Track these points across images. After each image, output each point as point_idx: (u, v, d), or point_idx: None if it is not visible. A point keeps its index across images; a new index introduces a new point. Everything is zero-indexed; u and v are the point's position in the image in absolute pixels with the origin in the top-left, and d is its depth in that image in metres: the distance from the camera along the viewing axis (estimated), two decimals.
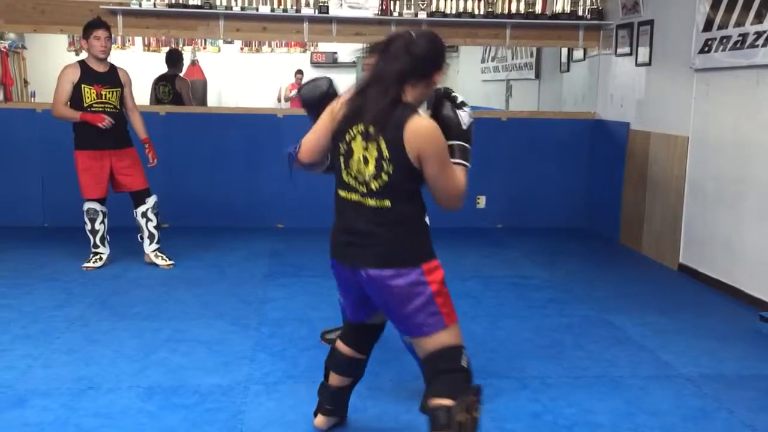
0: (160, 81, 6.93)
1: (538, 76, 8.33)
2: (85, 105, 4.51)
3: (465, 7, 6.07)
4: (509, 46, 8.06)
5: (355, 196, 2.17)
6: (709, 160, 4.75)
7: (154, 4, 5.80)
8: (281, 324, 3.73)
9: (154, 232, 4.78)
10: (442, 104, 2.25)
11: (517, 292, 4.43)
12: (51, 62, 7.05)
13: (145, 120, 4.88)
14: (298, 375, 3.09)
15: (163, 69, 7.03)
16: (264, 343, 3.46)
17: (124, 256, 4.92)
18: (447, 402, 2.07)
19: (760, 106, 4.23)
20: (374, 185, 2.12)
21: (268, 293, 4.29)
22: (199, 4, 5.86)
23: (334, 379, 2.52)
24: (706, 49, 4.68)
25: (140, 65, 8.54)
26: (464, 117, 2.23)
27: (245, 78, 10.89)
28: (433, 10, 6.07)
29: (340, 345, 2.49)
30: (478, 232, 6.01)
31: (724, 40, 4.50)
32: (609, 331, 3.78)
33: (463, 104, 2.26)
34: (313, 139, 2.33)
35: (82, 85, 4.50)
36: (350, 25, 6.12)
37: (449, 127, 2.19)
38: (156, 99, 6.86)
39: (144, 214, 4.74)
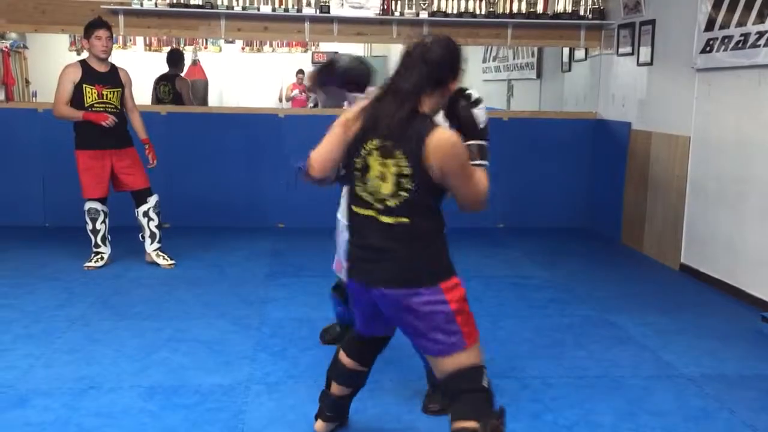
0: (160, 81, 6.94)
1: (539, 75, 8.33)
2: (86, 105, 4.51)
3: (466, 7, 6.07)
4: (510, 46, 8.05)
5: (370, 212, 2.09)
6: (710, 160, 4.74)
7: (156, 4, 5.81)
8: (282, 324, 3.73)
9: (156, 231, 4.79)
10: (457, 103, 2.16)
11: (517, 292, 4.43)
12: (52, 62, 7.06)
13: (146, 120, 4.88)
14: (298, 375, 3.10)
15: (165, 69, 7.03)
16: (265, 343, 3.46)
17: (126, 255, 4.92)
18: (472, 425, 2.01)
19: (762, 106, 4.22)
20: (392, 203, 2.04)
21: (269, 293, 4.29)
22: (201, 3, 5.86)
23: (336, 389, 2.48)
24: (708, 48, 4.68)
25: (142, 65, 8.56)
26: (480, 115, 2.16)
27: (246, 78, 10.89)
28: (435, 9, 6.07)
29: (343, 357, 2.44)
30: (479, 231, 6.00)
31: (726, 40, 4.49)
32: (610, 331, 3.78)
33: (478, 101, 2.18)
34: (324, 153, 2.21)
35: (84, 85, 4.50)
36: (351, 25, 6.12)
37: (466, 127, 2.14)
38: (157, 99, 6.87)
39: (145, 214, 4.74)
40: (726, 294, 4.46)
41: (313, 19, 6.04)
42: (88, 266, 4.69)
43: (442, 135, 2.01)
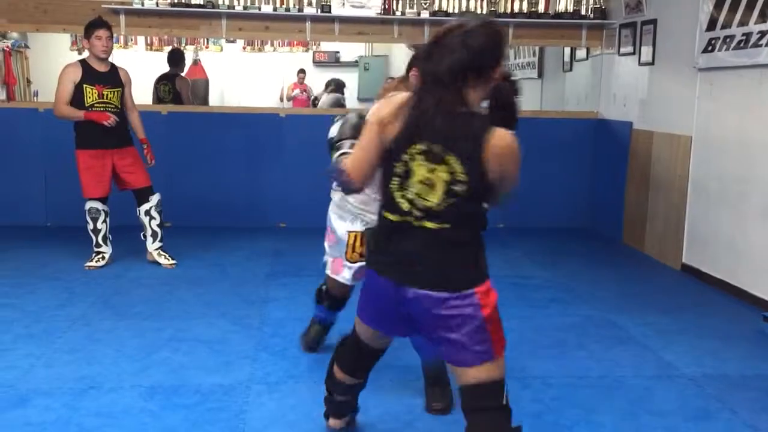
0: (161, 80, 6.95)
1: (540, 75, 8.32)
2: (87, 105, 4.51)
3: (468, 7, 6.06)
4: (512, 46, 8.03)
5: (409, 219, 1.90)
6: (712, 160, 4.74)
7: (157, 4, 5.81)
8: (283, 324, 3.72)
9: (158, 230, 4.79)
10: (503, 89, 1.95)
11: (518, 292, 4.42)
12: (53, 62, 7.05)
13: (147, 119, 4.89)
14: (299, 375, 3.09)
15: (166, 68, 7.04)
16: (266, 342, 3.46)
17: (126, 255, 4.92)
18: None
19: (764, 105, 4.21)
20: (438, 209, 1.87)
21: (270, 293, 4.29)
22: (202, 3, 5.87)
23: (336, 396, 2.44)
24: (710, 48, 4.67)
25: (143, 64, 8.56)
26: (520, 105, 2.00)
27: (247, 77, 10.88)
28: (436, 9, 6.07)
29: (338, 372, 2.34)
30: None
31: (728, 40, 4.48)
32: (611, 331, 3.77)
33: (520, 89, 2.01)
34: (362, 159, 1.99)
35: (84, 85, 4.50)
36: (353, 25, 6.12)
37: (510, 116, 1.96)
38: (157, 98, 6.87)
39: (147, 212, 4.74)
40: (727, 294, 4.46)
41: (314, 19, 6.04)
42: (89, 266, 4.69)
43: (504, 136, 1.85)
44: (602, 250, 5.73)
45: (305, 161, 5.83)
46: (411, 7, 6.08)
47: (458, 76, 1.83)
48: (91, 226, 4.67)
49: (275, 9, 5.96)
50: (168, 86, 6.85)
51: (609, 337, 3.67)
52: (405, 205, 1.90)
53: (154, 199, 4.76)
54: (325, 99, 9.75)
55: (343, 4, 6.01)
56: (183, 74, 7.27)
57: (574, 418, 2.76)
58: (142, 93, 6.48)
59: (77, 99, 4.51)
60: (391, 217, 1.94)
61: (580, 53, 7.06)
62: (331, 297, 3.14)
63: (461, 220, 1.89)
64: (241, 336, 3.54)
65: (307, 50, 11.24)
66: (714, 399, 2.97)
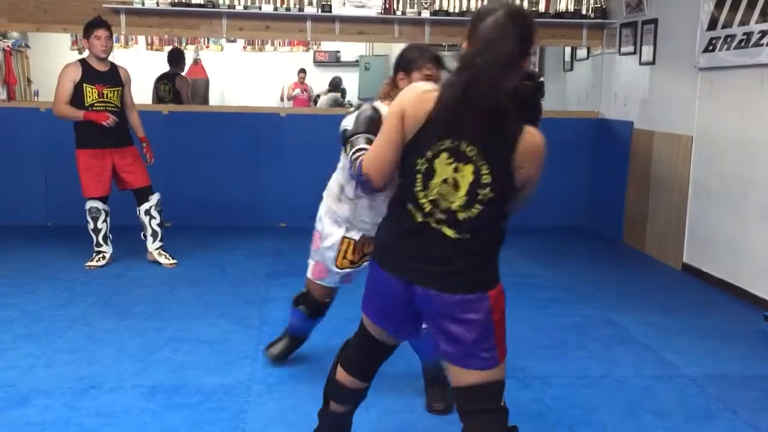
0: (161, 80, 6.95)
1: (541, 74, 8.31)
2: (87, 104, 4.51)
3: (468, 6, 6.06)
4: None
5: (430, 222, 1.80)
6: (713, 160, 4.73)
7: (157, 3, 5.81)
8: (283, 323, 3.68)
9: (158, 229, 4.79)
10: (530, 88, 1.77)
11: (519, 292, 4.42)
12: (54, 61, 7.04)
13: (148, 119, 4.89)
14: (300, 375, 3.09)
15: (166, 68, 7.04)
16: (266, 342, 3.43)
17: (127, 254, 4.92)
18: None
19: (765, 105, 4.21)
20: (461, 215, 1.76)
21: (270, 293, 4.28)
22: (202, 3, 5.87)
23: (336, 407, 2.25)
24: (711, 48, 4.67)
25: (143, 64, 8.55)
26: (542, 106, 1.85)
27: (248, 77, 10.87)
28: (437, 8, 6.06)
29: (342, 375, 2.16)
30: None
31: (729, 39, 4.48)
32: (612, 330, 3.77)
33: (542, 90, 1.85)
34: (381, 157, 1.86)
35: (84, 85, 4.50)
36: (353, 24, 6.11)
37: (535, 116, 1.78)
38: (158, 98, 6.87)
39: (147, 212, 4.74)
40: (728, 294, 4.45)
41: (314, 18, 6.04)
42: (90, 265, 4.69)
43: (535, 135, 1.74)
44: (603, 249, 5.73)
45: (306, 161, 5.83)
46: (411, 7, 6.07)
47: (502, 69, 1.67)
48: (91, 225, 4.67)
49: (276, 8, 5.96)
50: (168, 86, 6.85)
51: (609, 337, 3.67)
52: (427, 206, 1.80)
53: (154, 198, 4.76)
54: (323, 100, 9.77)
55: (344, 3, 6.01)
56: (183, 74, 7.27)
57: (574, 418, 2.75)
58: (143, 92, 6.49)
59: (77, 98, 4.51)
60: (411, 216, 1.83)
61: (581, 53, 7.06)
62: (310, 301, 3.01)
63: (484, 229, 1.80)
64: (241, 336, 3.54)
65: (307, 50, 11.23)
66: (715, 399, 2.97)
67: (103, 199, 4.67)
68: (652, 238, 5.46)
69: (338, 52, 11.41)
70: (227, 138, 6.05)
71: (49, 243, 5.32)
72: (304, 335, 3.19)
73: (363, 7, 6.02)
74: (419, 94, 1.79)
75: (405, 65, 2.58)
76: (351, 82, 10.51)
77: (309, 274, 2.97)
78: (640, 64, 5.64)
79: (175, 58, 7.06)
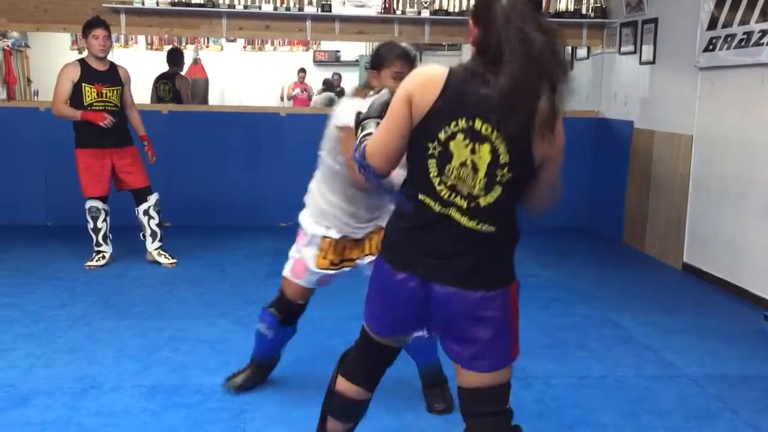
0: (160, 79, 6.94)
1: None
2: (86, 104, 4.51)
3: (468, 6, 6.05)
4: None
5: (450, 211, 1.70)
6: (713, 159, 4.73)
7: (157, 3, 5.80)
8: None
9: (157, 230, 4.78)
10: None
11: (519, 292, 4.41)
12: (54, 61, 7.03)
13: (148, 119, 4.88)
14: (300, 374, 3.09)
15: (166, 67, 7.03)
16: None
17: (127, 254, 4.92)
18: None
19: (765, 104, 4.21)
20: (483, 201, 1.68)
21: (270, 293, 4.22)
22: (202, 2, 5.86)
23: (334, 425, 2.07)
24: (711, 47, 4.66)
25: (143, 64, 8.54)
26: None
27: (248, 76, 10.87)
28: (437, 8, 6.06)
29: (344, 385, 2.02)
30: None
31: (729, 39, 4.48)
32: (612, 330, 3.77)
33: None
34: (385, 141, 1.75)
35: (83, 84, 4.50)
36: (353, 24, 6.11)
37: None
38: (157, 97, 6.87)
39: (146, 212, 4.74)
40: (729, 293, 4.45)
41: (314, 18, 6.04)
42: (90, 265, 4.68)
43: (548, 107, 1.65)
44: (603, 249, 5.72)
45: (306, 160, 5.74)
46: (411, 6, 6.07)
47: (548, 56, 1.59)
48: (91, 225, 4.66)
49: (275, 8, 5.96)
50: (168, 85, 6.85)
51: (610, 337, 3.66)
52: (445, 193, 1.69)
53: (153, 198, 4.75)
54: (317, 99, 9.79)
55: (344, 3, 6.01)
56: (183, 73, 7.27)
57: (574, 418, 2.75)
58: (143, 92, 6.48)
59: (76, 98, 4.51)
60: (427, 208, 1.72)
61: (581, 52, 7.05)
62: (284, 303, 2.84)
63: (503, 218, 1.74)
64: (241, 336, 3.53)
65: (307, 49, 11.23)
66: (715, 399, 2.97)
67: (103, 199, 4.66)
68: (652, 238, 5.46)
69: (338, 51, 11.41)
70: (227, 138, 6.04)
71: (49, 243, 5.32)
72: (272, 359, 2.96)
73: (363, 6, 6.02)
74: (426, 78, 1.70)
75: (375, 63, 2.54)
76: (351, 81, 10.51)
77: (286, 271, 2.86)
78: (641, 63, 5.64)
79: (175, 57, 7.05)
